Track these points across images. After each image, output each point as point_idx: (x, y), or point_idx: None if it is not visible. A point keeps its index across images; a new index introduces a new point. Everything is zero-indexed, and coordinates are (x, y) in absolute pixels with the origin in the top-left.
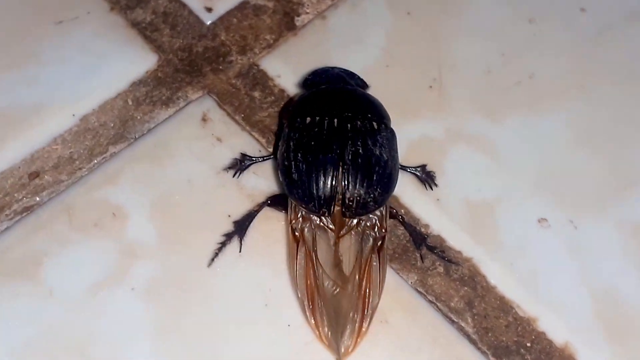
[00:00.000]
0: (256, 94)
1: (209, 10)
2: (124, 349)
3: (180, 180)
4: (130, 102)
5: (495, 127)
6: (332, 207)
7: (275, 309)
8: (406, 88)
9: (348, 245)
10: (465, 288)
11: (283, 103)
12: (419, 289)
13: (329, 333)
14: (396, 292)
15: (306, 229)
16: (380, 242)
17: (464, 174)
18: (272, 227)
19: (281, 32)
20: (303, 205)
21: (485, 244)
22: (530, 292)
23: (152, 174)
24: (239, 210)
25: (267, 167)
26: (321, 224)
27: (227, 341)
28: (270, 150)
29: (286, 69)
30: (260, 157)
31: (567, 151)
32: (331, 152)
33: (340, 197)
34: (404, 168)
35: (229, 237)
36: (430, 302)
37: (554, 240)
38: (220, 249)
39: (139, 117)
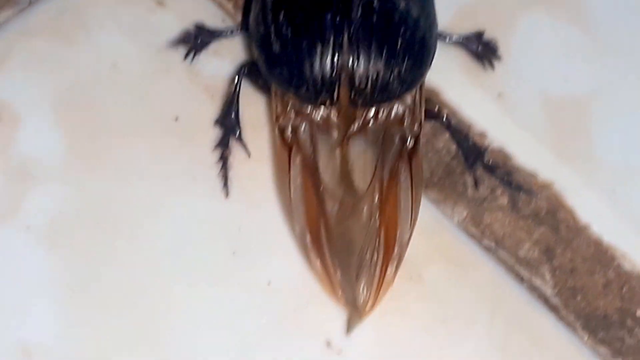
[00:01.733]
0: None
1: None
2: (15, 313)
3: (99, 65)
4: None
5: None
6: (336, 92)
7: (247, 258)
8: None
9: (362, 150)
10: (542, 228)
11: None
12: (470, 229)
13: (342, 281)
14: (435, 235)
15: (301, 129)
16: (412, 145)
17: (541, 55)
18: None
19: None
20: (292, 92)
21: (574, 161)
22: None
23: (57, 56)
24: (191, 109)
25: (234, 44)
26: (320, 119)
27: (169, 308)
28: (240, 19)
29: None
30: (225, 30)
31: None
32: (329, 7)
33: (348, 75)
34: (445, 37)
35: (222, 144)
36: (488, 249)
37: None
38: (224, 168)
39: None
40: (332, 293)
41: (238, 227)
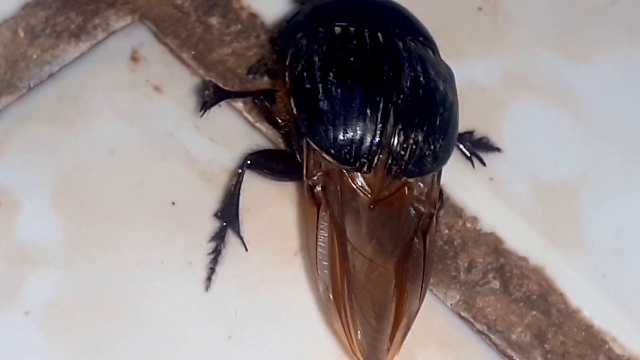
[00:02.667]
0: (214, 20)
1: None
2: None
3: (98, 150)
4: (21, 34)
5: (578, 68)
6: (376, 159)
7: (243, 343)
8: (444, 10)
9: (385, 218)
10: (534, 312)
11: (255, 34)
12: (462, 313)
13: (364, 341)
14: (428, 319)
15: (331, 188)
16: (427, 223)
17: (532, 141)
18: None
19: None
20: (332, 153)
21: (564, 245)
22: (633, 318)
23: (56, 141)
24: (187, 194)
25: (229, 130)
26: (351, 182)
27: None
28: (238, 105)
29: None
30: (243, 92)
31: None
32: (382, 74)
33: (390, 141)
34: None
35: (218, 237)
36: (480, 332)
37: None
38: (214, 261)
39: (35, 56)
40: (352, 353)
41: (234, 312)
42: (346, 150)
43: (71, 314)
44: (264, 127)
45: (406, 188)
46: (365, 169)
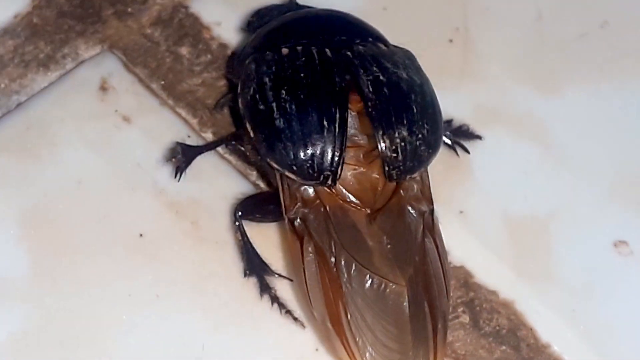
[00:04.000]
0: (184, 50)
1: None
2: None
3: (65, 181)
4: None
5: (549, 101)
6: (340, 170)
7: None
8: (414, 42)
9: (390, 226)
10: (503, 347)
11: (225, 63)
12: None
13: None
14: None
15: (312, 217)
16: (430, 220)
17: (502, 174)
18: (206, 252)
19: None
20: (293, 169)
21: (534, 280)
22: (602, 353)
23: (23, 172)
24: (156, 226)
25: (198, 161)
26: (341, 201)
27: None
28: (207, 136)
29: (229, 13)
30: (212, 143)
31: None
32: (334, 86)
33: (380, 150)
34: None
35: (265, 290)
36: None
37: (638, 273)
38: (279, 304)
39: (2, 86)
40: None
41: (202, 345)
42: (307, 164)
43: (36, 348)
44: (233, 158)
45: (401, 191)
46: (329, 182)
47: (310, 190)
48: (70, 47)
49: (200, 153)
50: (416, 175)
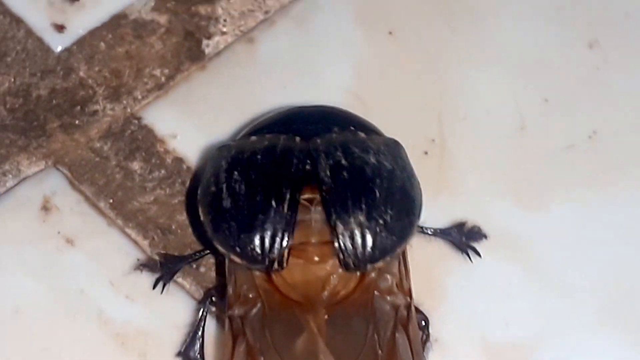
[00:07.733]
0: (135, 165)
1: (60, 28)
2: None
3: (0, 310)
4: None
5: (530, 218)
6: (287, 252)
7: None
8: None
9: (343, 325)
10: None
11: (180, 180)
12: None
13: None
14: None
15: (251, 314)
16: (405, 314)
17: (480, 298)
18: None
19: (180, 64)
20: (237, 251)
21: None
22: None
23: None
24: (100, 358)
25: (149, 287)
26: (284, 295)
27: None
28: (157, 257)
29: (186, 125)
30: (192, 255)
31: None
32: (290, 167)
33: (333, 236)
34: (422, 228)
35: None
36: None
37: None
38: None
39: None
40: None
41: None
42: (252, 246)
43: None
44: (187, 282)
45: (366, 282)
46: (276, 266)
47: (254, 285)
48: (12, 163)
49: (185, 262)
50: (380, 264)
